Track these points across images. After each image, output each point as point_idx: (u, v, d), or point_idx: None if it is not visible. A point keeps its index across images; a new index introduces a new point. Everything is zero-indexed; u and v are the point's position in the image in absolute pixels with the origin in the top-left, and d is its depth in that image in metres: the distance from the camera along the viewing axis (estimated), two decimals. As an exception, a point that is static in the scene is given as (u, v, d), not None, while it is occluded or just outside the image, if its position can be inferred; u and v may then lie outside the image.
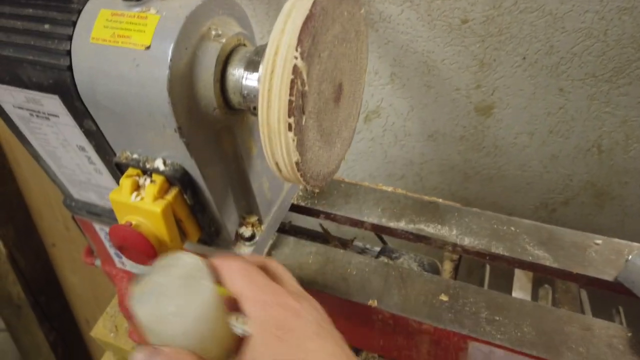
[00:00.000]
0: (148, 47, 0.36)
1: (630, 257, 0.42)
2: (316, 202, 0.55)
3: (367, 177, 1.18)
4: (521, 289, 0.67)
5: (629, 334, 0.41)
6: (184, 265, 0.33)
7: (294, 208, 0.56)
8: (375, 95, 1.01)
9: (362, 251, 0.59)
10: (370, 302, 0.46)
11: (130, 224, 0.42)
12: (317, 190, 0.57)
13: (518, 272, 0.66)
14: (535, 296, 0.67)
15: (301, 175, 0.34)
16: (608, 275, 0.44)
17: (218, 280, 0.33)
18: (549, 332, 0.42)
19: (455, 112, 0.97)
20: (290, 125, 0.31)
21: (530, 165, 1.01)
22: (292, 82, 0.30)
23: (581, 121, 0.90)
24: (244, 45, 0.40)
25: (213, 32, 0.37)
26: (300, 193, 0.57)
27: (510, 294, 0.66)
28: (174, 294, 0.31)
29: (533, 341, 0.41)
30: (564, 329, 0.42)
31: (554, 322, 0.42)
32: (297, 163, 0.33)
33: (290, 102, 0.30)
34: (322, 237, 0.62)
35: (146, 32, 0.36)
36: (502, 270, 0.65)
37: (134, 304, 0.31)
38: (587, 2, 0.75)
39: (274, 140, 0.32)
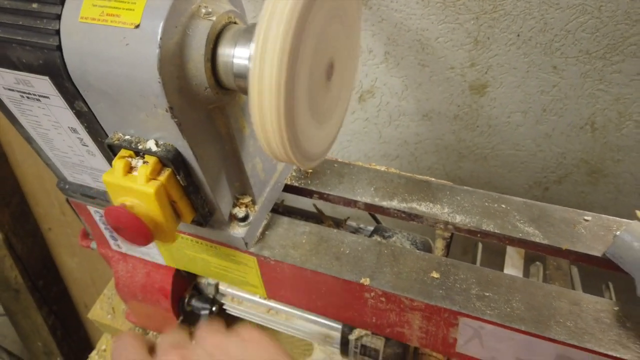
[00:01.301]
0: (137, 26, 0.35)
1: (618, 232, 0.43)
2: (309, 182, 0.55)
3: (362, 157, 1.18)
4: (513, 266, 0.68)
5: (616, 308, 0.42)
6: None
7: (288, 188, 0.56)
8: (369, 74, 1.00)
9: (356, 231, 0.59)
10: (362, 280, 0.46)
11: (124, 206, 0.42)
12: (309, 170, 0.57)
13: (510, 250, 0.66)
14: (526, 273, 0.68)
15: (293, 155, 0.34)
16: (596, 251, 0.45)
17: None
18: (538, 307, 0.42)
19: (450, 91, 0.97)
20: (281, 104, 0.31)
21: (524, 144, 1.01)
22: (283, 60, 0.30)
23: (575, 99, 0.90)
24: (235, 23, 0.40)
25: (203, 10, 0.37)
26: (294, 173, 0.57)
27: (502, 271, 0.67)
28: None
29: (522, 316, 0.42)
30: (553, 304, 0.43)
31: (543, 298, 0.43)
32: (288, 142, 0.33)
33: (281, 80, 0.30)
34: (316, 217, 0.62)
35: (135, 11, 0.36)
36: (495, 248, 0.66)
37: None
38: (582, -22, 0.75)
39: (265, 119, 0.32)
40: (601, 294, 0.64)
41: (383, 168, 0.57)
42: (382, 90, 1.02)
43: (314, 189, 0.55)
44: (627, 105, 0.88)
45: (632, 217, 1.08)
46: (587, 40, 0.82)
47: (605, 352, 0.39)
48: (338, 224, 0.60)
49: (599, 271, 0.58)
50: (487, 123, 1.00)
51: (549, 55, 0.85)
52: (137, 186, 0.42)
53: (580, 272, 0.69)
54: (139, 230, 0.42)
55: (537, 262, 0.67)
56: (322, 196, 0.54)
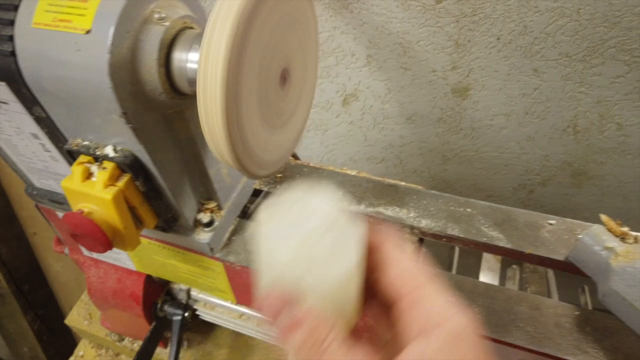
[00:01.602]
0: (88, 31, 0.35)
1: (580, 236, 0.42)
2: (278, 187, 0.55)
3: (348, 161, 1.18)
4: (489, 269, 0.67)
5: (576, 313, 0.42)
6: (327, 210, 0.27)
7: (257, 193, 0.56)
8: (352, 78, 1.00)
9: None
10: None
11: (82, 212, 0.42)
12: (279, 175, 0.57)
13: (486, 254, 0.66)
14: (503, 276, 0.68)
15: (243, 160, 0.34)
16: (560, 255, 0.45)
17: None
18: (499, 312, 0.42)
19: (432, 94, 0.97)
20: (227, 109, 0.31)
21: (508, 147, 1.01)
22: (225, 64, 0.29)
23: (556, 101, 0.90)
24: (191, 28, 0.40)
25: (156, 16, 0.37)
26: (264, 178, 0.56)
27: (479, 274, 0.67)
28: (321, 240, 0.26)
29: (483, 320, 0.42)
30: (514, 308, 0.42)
31: (504, 302, 0.43)
32: (236, 147, 0.33)
33: (225, 85, 0.30)
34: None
35: (87, 16, 0.35)
36: (472, 251, 0.66)
37: (269, 235, 0.27)
38: (560, -19, 0.75)
39: (212, 124, 0.32)
40: (577, 297, 0.63)
41: (354, 172, 0.56)
42: (365, 94, 1.02)
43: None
44: (609, 108, 0.88)
45: (614, 218, 1.07)
46: (566, 43, 0.82)
47: (564, 357, 0.39)
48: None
49: (574, 274, 0.58)
50: (470, 126, 1.00)
51: (530, 58, 0.85)
52: (94, 192, 0.41)
53: (557, 275, 0.69)
54: (96, 237, 0.42)
55: (514, 266, 0.67)
56: (291, 201, 0.54)
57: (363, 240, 0.27)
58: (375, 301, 0.30)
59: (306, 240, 0.26)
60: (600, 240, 0.42)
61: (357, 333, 0.29)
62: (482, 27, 0.83)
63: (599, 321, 0.41)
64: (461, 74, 0.91)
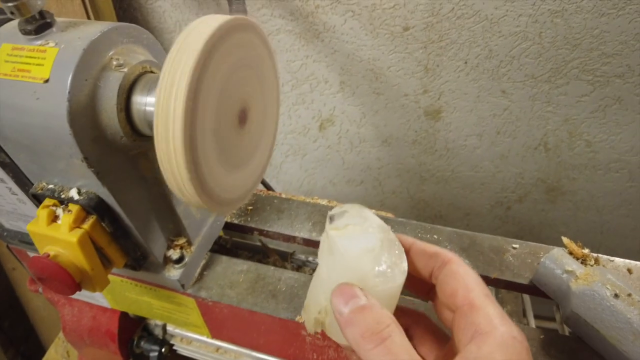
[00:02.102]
0: (47, 81, 0.36)
1: (541, 260, 0.43)
2: (249, 219, 0.55)
3: (328, 184, 1.19)
4: (465, 291, 0.68)
5: (541, 336, 0.43)
6: (379, 227, 0.33)
7: (229, 226, 0.56)
8: (327, 103, 1.02)
9: (303, 264, 0.59)
10: (298, 318, 0.46)
11: (48, 255, 0.42)
12: (249, 207, 0.57)
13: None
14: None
15: (201, 200, 0.34)
16: (523, 279, 0.45)
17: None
18: (466, 339, 0.43)
19: (406, 117, 0.98)
20: (183, 150, 0.31)
21: (482, 166, 1.03)
22: (183, 107, 0.30)
23: (526, 121, 0.92)
24: (151, 72, 0.40)
25: (114, 62, 0.38)
26: (234, 211, 0.57)
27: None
28: (383, 252, 0.31)
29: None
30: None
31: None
32: (194, 187, 0.33)
33: (181, 126, 0.31)
34: (264, 252, 0.62)
35: (45, 66, 0.36)
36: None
37: (345, 244, 0.31)
38: (520, 7, 0.77)
39: (170, 164, 0.32)
40: (552, 314, 0.64)
41: (324, 201, 0.57)
42: (341, 119, 1.04)
43: (253, 225, 0.55)
44: (576, 126, 0.91)
45: (589, 233, 1.09)
46: (531, 65, 0.84)
47: (531, 382, 0.39)
48: (284, 258, 0.60)
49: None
50: (445, 146, 1.02)
51: (497, 80, 0.88)
52: (60, 235, 0.41)
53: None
54: (63, 280, 0.42)
55: (489, 286, 0.68)
56: (262, 232, 0.55)
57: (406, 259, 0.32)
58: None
59: (376, 252, 0.31)
60: (560, 264, 0.43)
61: None
62: (450, 52, 0.86)
63: (563, 344, 0.42)
64: (432, 97, 0.93)
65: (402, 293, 0.33)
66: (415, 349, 0.29)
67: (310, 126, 1.07)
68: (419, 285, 0.35)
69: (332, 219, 0.34)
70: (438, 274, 0.32)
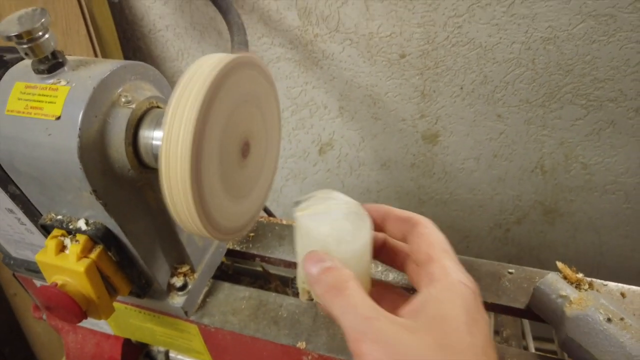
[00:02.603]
0: (58, 118, 0.37)
1: (536, 285, 0.44)
2: (251, 245, 0.57)
3: (328, 207, 1.20)
4: (465, 314, 0.69)
5: (539, 361, 0.43)
6: (345, 202, 0.36)
7: (231, 253, 0.57)
8: (326, 128, 1.04)
9: (304, 289, 0.60)
10: (299, 344, 0.47)
11: (56, 285, 0.43)
12: (251, 234, 0.59)
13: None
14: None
15: (206, 230, 0.36)
16: (520, 304, 0.46)
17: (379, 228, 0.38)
18: (465, 364, 0.43)
19: (404, 141, 1.00)
20: (187, 182, 0.33)
21: (480, 189, 1.04)
22: (190, 142, 0.31)
23: (522, 144, 0.94)
24: (158, 107, 0.42)
25: (123, 99, 0.39)
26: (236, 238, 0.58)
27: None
28: (345, 222, 0.35)
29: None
30: (480, 359, 0.44)
31: (470, 354, 0.44)
32: (199, 219, 0.34)
33: (187, 161, 0.32)
34: (265, 277, 0.63)
35: (57, 103, 0.38)
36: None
37: (305, 219, 0.35)
38: (513, 34, 0.80)
39: (175, 198, 0.34)
40: (552, 336, 0.64)
41: (325, 227, 0.58)
42: (340, 143, 1.05)
43: (255, 252, 0.56)
44: (572, 149, 0.92)
45: (588, 254, 1.09)
46: (525, 90, 0.86)
47: (529, 407, 0.40)
48: (285, 283, 0.61)
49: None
50: (442, 170, 1.03)
51: (492, 105, 0.90)
52: (68, 265, 0.43)
53: (530, 317, 0.70)
54: (70, 309, 0.43)
55: (488, 311, 0.68)
56: (264, 259, 0.56)
57: (371, 227, 0.35)
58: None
59: (336, 222, 0.35)
60: (555, 289, 0.44)
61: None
62: (445, 78, 0.88)
63: (561, 367, 0.43)
64: (429, 121, 0.95)
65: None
66: (377, 303, 0.32)
67: (310, 150, 1.09)
68: (394, 257, 0.39)
69: (297, 203, 0.37)
70: (408, 235, 0.36)
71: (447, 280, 0.31)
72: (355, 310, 0.30)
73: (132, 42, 0.99)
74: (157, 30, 0.96)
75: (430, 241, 0.34)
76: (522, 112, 0.89)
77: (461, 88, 0.89)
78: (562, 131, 0.90)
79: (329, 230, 0.35)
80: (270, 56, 0.94)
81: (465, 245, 1.17)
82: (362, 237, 0.35)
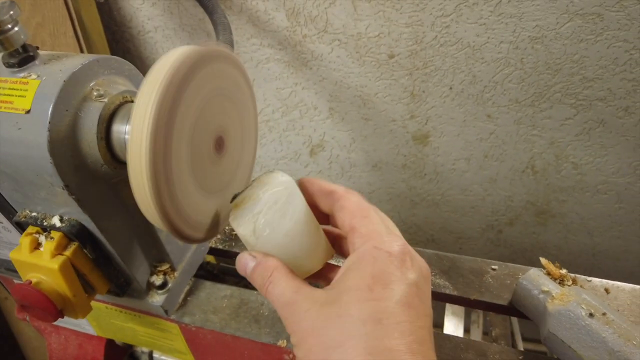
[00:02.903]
0: (28, 111, 0.37)
1: (518, 280, 0.44)
2: (234, 244, 0.56)
3: (320, 209, 1.19)
4: (454, 314, 0.68)
5: (521, 357, 0.43)
6: (277, 184, 0.36)
7: (213, 251, 0.57)
8: (317, 129, 1.03)
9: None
10: (280, 343, 0.46)
11: (30, 282, 0.42)
12: (235, 232, 0.58)
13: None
14: (468, 319, 0.68)
15: (177, 227, 0.35)
16: (503, 300, 0.46)
17: (312, 201, 0.37)
18: (446, 361, 0.43)
19: (395, 142, 1.00)
20: (156, 178, 0.32)
21: (472, 189, 1.03)
22: (154, 135, 0.31)
23: (512, 144, 0.94)
24: (132, 101, 0.42)
25: (95, 93, 0.39)
26: (219, 236, 0.57)
27: (443, 321, 0.67)
28: (266, 209, 0.34)
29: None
30: (461, 356, 0.43)
31: (452, 350, 0.43)
32: (168, 215, 0.34)
33: (152, 153, 0.31)
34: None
35: (27, 97, 0.37)
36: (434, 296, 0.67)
37: (231, 220, 0.36)
38: (501, 34, 0.80)
39: (143, 192, 0.33)
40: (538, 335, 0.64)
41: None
42: (331, 144, 1.05)
43: (238, 250, 0.55)
44: (562, 148, 0.92)
45: (581, 256, 1.09)
46: (514, 90, 0.86)
47: (510, 405, 0.39)
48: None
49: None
50: (434, 170, 1.03)
51: (482, 105, 0.89)
52: (42, 262, 0.42)
53: (519, 317, 0.69)
54: (44, 307, 0.42)
55: (472, 308, 0.68)
56: (246, 258, 0.55)
57: (302, 208, 0.34)
58: None
59: (258, 215, 0.34)
60: (537, 284, 0.43)
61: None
62: (435, 79, 0.88)
63: (544, 365, 0.42)
64: (419, 122, 0.95)
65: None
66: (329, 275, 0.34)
67: (301, 152, 1.08)
68: (334, 244, 0.38)
69: (234, 197, 0.37)
70: (334, 210, 0.35)
71: (362, 248, 0.31)
72: (278, 300, 0.31)
73: (121, 43, 0.99)
74: (145, 32, 0.96)
75: (351, 211, 0.33)
76: (512, 112, 0.89)
77: (450, 88, 0.88)
78: (552, 131, 0.90)
79: (248, 230, 0.34)
80: (260, 57, 0.94)
81: (458, 247, 1.16)
82: (286, 224, 0.34)
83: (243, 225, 0.35)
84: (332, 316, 0.28)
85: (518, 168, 0.97)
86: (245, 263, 0.34)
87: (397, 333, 0.27)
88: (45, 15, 0.82)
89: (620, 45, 0.76)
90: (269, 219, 0.34)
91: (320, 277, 0.38)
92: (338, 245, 0.38)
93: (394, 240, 0.31)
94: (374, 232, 0.31)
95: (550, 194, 1.00)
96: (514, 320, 0.67)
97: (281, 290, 0.31)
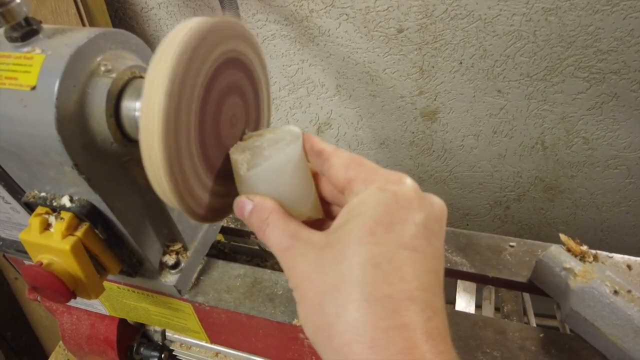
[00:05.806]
0: (34, 88, 0.36)
1: (539, 258, 0.43)
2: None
3: (326, 188, 1.19)
4: (465, 291, 0.67)
5: (541, 335, 0.42)
6: (286, 131, 0.35)
7: (225, 230, 0.56)
8: (324, 107, 1.01)
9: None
10: (295, 321, 0.46)
11: (41, 264, 0.42)
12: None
13: (460, 276, 0.66)
14: (479, 296, 0.68)
15: (188, 205, 0.34)
16: (522, 277, 0.45)
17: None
18: (465, 338, 0.42)
19: (403, 118, 0.98)
20: (169, 155, 0.31)
21: (480, 166, 1.02)
22: (165, 110, 0.30)
23: (522, 120, 0.92)
24: (141, 77, 0.40)
25: (102, 68, 0.37)
26: (231, 215, 0.56)
27: (455, 297, 0.67)
28: (266, 145, 0.34)
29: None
30: (480, 333, 0.42)
31: (470, 328, 0.43)
32: (182, 193, 0.33)
33: (164, 130, 0.30)
34: (262, 256, 0.62)
35: (32, 73, 0.36)
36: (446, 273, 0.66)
37: (232, 151, 0.35)
38: (514, 6, 0.77)
39: (156, 170, 0.32)
40: (553, 311, 0.63)
41: (320, 204, 0.57)
42: (338, 122, 1.04)
43: (249, 230, 0.55)
44: (573, 123, 0.90)
45: (589, 231, 1.08)
46: (526, 64, 0.84)
47: (531, 382, 0.39)
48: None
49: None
50: (442, 147, 1.02)
51: (492, 79, 0.87)
52: (52, 243, 0.41)
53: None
54: (56, 289, 0.41)
55: (489, 285, 0.67)
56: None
57: (297, 150, 0.33)
58: None
59: (255, 148, 0.34)
60: (558, 261, 0.42)
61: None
62: (444, 53, 0.86)
63: (564, 343, 0.42)
64: (428, 98, 0.93)
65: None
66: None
67: (308, 130, 1.07)
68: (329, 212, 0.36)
69: (243, 135, 0.37)
70: (325, 170, 0.33)
71: (366, 192, 0.28)
72: (275, 244, 0.30)
73: (124, 21, 0.97)
74: (149, 9, 0.94)
75: (344, 164, 0.31)
76: (523, 86, 0.87)
77: (460, 63, 0.86)
78: (563, 105, 0.88)
79: (243, 158, 0.34)
80: (265, 33, 0.91)
81: (465, 223, 1.15)
82: (280, 159, 0.33)
83: (239, 153, 0.34)
84: (329, 260, 0.27)
85: (528, 144, 0.96)
86: (242, 206, 0.33)
87: (397, 278, 0.26)
88: (45, -9, 0.80)
89: (637, 15, 0.74)
90: (266, 153, 0.34)
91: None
92: (326, 211, 0.36)
93: (400, 180, 0.29)
94: (375, 174, 0.29)
95: (560, 170, 0.99)
96: (527, 296, 0.66)
97: (278, 233, 0.30)
